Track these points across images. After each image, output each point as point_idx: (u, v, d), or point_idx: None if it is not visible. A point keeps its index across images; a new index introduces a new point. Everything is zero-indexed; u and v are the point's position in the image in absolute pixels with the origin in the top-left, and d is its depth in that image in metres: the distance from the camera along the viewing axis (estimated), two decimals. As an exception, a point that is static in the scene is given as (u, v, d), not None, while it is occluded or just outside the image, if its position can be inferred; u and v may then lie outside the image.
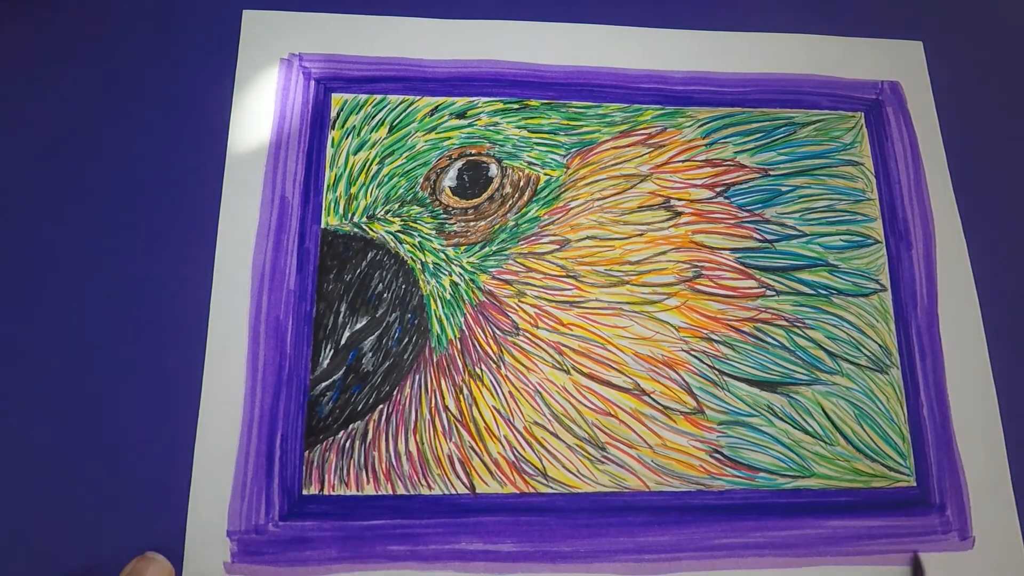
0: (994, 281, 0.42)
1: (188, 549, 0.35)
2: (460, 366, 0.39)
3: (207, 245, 0.39)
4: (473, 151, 0.42)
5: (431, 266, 0.40)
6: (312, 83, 0.43)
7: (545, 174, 0.42)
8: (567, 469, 0.37)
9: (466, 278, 0.40)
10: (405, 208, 0.41)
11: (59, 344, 0.38)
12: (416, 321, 0.39)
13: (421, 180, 0.42)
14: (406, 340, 0.39)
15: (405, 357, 0.39)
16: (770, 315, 0.41)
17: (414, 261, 0.40)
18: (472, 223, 0.41)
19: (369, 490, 0.36)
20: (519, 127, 0.43)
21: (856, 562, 0.37)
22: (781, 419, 0.39)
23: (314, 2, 0.44)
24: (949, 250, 0.42)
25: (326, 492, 0.36)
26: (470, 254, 0.41)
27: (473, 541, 0.36)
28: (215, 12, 0.44)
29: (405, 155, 0.42)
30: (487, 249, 0.41)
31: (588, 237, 0.41)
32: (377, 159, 0.42)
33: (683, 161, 0.43)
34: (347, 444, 0.37)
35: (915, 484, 0.39)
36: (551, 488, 0.37)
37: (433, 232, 0.41)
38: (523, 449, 0.38)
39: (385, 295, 0.39)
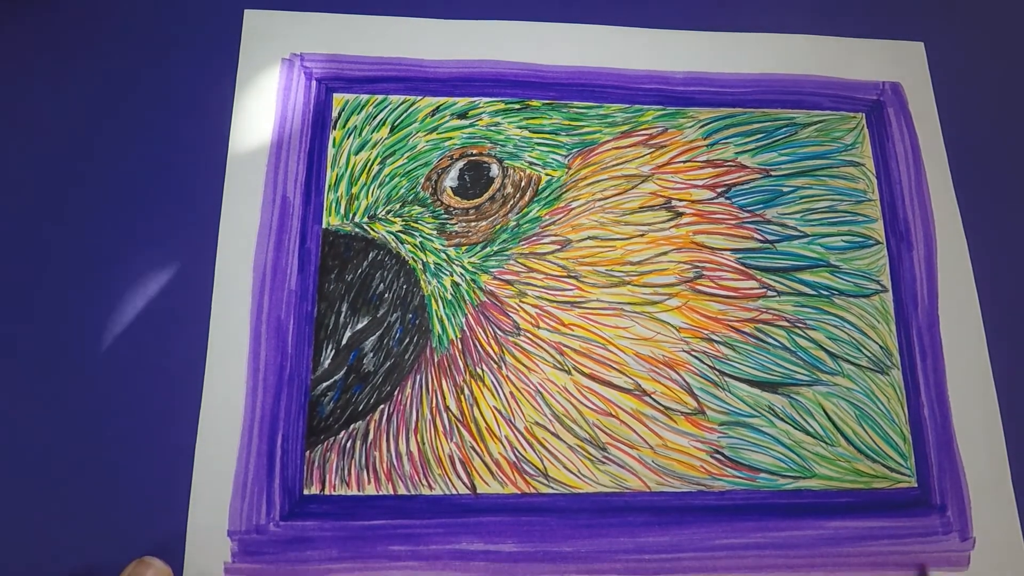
0: (994, 282, 0.42)
1: (189, 549, 0.35)
2: (461, 366, 0.39)
3: (208, 245, 0.39)
4: (474, 151, 0.42)
5: (432, 266, 0.40)
6: (313, 83, 0.43)
7: (546, 174, 0.42)
8: (568, 469, 0.37)
9: (467, 278, 0.40)
10: (406, 208, 0.41)
11: (59, 344, 0.38)
12: (417, 321, 0.39)
13: (422, 180, 0.42)
14: (407, 340, 0.39)
15: (406, 357, 0.39)
16: (771, 316, 0.41)
17: (415, 261, 0.40)
18: (473, 223, 0.41)
19: (370, 490, 0.36)
20: (520, 127, 0.43)
21: (857, 563, 0.37)
22: (782, 420, 0.39)
23: (316, 2, 0.44)
24: (950, 251, 0.43)
25: (327, 492, 0.36)
26: (471, 254, 0.41)
27: (474, 541, 0.36)
28: (216, 12, 0.44)
29: (406, 155, 0.42)
30: (488, 249, 0.41)
31: (589, 237, 0.41)
32: (378, 159, 0.42)
33: (684, 162, 0.43)
34: (348, 444, 0.37)
35: (916, 485, 0.39)
36: (552, 488, 0.37)
37: (434, 232, 0.41)
38: (524, 449, 0.38)
39: (386, 295, 0.39)
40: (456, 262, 0.40)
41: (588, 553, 0.36)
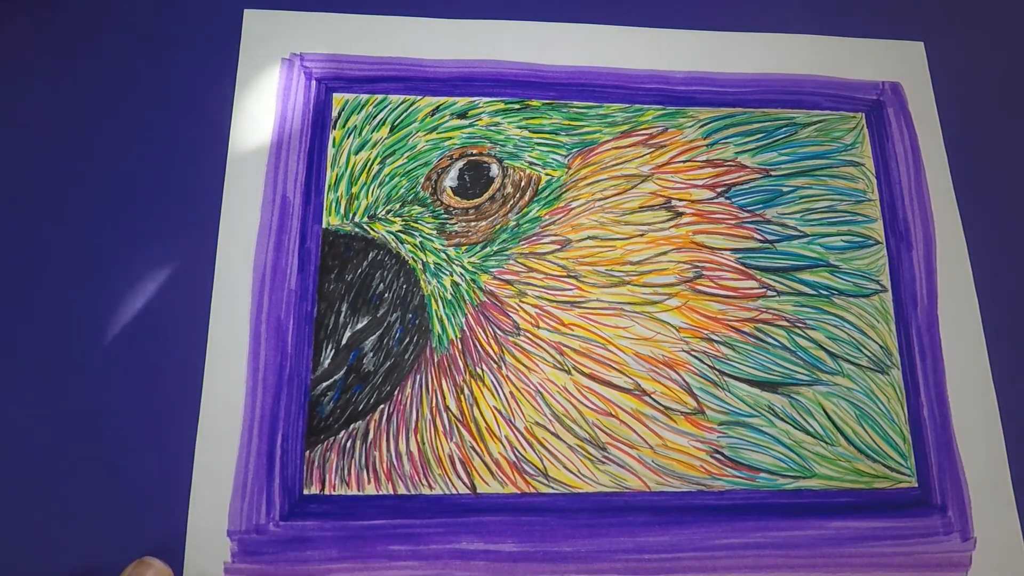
0: (994, 281, 0.42)
1: (189, 549, 0.35)
2: (461, 366, 0.39)
3: (208, 245, 0.39)
4: (474, 151, 0.42)
5: (432, 266, 0.40)
6: (313, 83, 0.43)
7: (546, 174, 0.42)
8: (568, 469, 0.37)
9: (467, 278, 0.40)
10: (406, 208, 0.41)
11: (59, 344, 0.38)
12: (417, 321, 0.39)
13: (422, 180, 0.42)
14: (407, 340, 0.39)
15: (406, 357, 0.39)
16: (771, 315, 0.41)
17: (415, 261, 0.40)
18: (473, 223, 0.41)
19: (370, 490, 0.36)
20: (520, 127, 0.43)
21: (857, 563, 0.37)
22: (782, 419, 0.39)
23: (316, 2, 0.44)
24: (949, 251, 0.43)
25: (327, 492, 0.36)
26: (471, 254, 0.41)
27: (474, 541, 0.36)
28: (216, 11, 0.44)
29: (406, 155, 0.42)
30: (488, 249, 0.41)
31: (589, 237, 0.41)
32: (378, 159, 0.42)
33: (684, 161, 0.43)
34: (348, 444, 0.37)
35: (916, 485, 0.39)
36: (552, 488, 0.37)
37: (434, 232, 0.41)
38: (524, 449, 0.38)
39: (386, 295, 0.39)
40: (456, 262, 0.40)
41: (588, 553, 0.36)
